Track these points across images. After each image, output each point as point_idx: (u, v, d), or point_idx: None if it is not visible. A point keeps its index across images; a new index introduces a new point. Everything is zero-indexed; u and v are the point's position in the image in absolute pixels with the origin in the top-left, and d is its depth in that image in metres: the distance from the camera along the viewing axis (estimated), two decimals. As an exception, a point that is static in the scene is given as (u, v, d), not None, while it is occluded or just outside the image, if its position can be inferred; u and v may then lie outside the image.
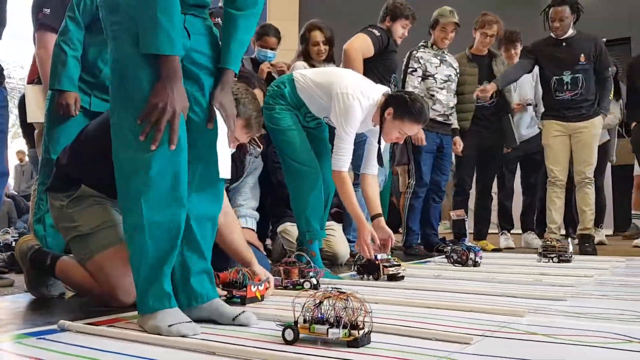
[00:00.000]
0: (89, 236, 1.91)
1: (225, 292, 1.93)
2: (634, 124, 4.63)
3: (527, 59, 4.14)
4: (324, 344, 1.34)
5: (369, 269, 2.59)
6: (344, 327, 1.31)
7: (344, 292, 1.34)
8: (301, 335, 1.35)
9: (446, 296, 2.11)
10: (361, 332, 1.32)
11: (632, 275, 2.70)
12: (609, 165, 5.18)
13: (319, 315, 1.34)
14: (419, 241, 4.18)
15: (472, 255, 3.05)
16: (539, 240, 4.43)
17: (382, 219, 2.79)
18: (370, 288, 2.30)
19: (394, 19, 3.77)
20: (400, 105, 2.62)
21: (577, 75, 3.93)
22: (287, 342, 1.35)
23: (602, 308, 1.87)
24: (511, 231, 4.75)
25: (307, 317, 1.35)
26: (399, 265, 2.61)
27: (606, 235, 4.91)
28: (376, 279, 2.54)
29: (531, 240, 4.64)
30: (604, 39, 6.73)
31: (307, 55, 3.82)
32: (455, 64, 4.18)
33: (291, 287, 2.22)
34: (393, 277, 2.54)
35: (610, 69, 4.09)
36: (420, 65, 4.03)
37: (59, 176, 2.04)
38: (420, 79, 4.01)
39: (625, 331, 1.50)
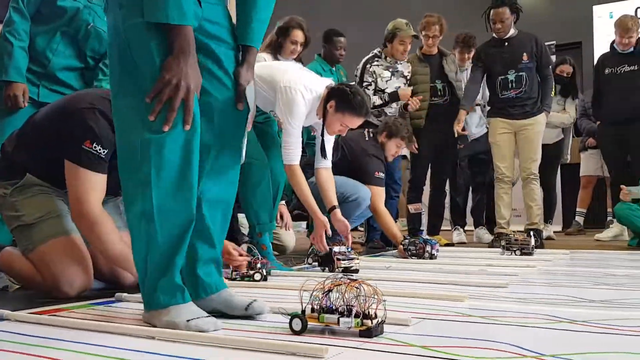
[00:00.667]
0: (32, 226, 1.89)
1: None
2: (597, 122, 4.82)
3: (478, 69, 4.24)
4: (332, 333, 1.29)
5: (324, 261, 2.63)
6: (356, 316, 1.25)
7: (356, 280, 1.28)
8: (309, 325, 1.29)
9: (393, 284, 2.16)
10: (374, 321, 1.26)
11: (574, 266, 2.81)
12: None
13: (328, 304, 1.28)
14: (378, 237, 4.24)
15: (428, 248, 3.12)
16: (489, 235, 4.55)
17: (338, 211, 2.82)
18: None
19: (389, 136, 3.74)
20: (342, 98, 2.66)
21: (520, 73, 4.06)
22: (295, 333, 1.28)
23: (539, 293, 1.95)
24: (465, 227, 4.86)
25: (315, 306, 1.29)
26: (354, 258, 2.65)
27: (554, 232, 5.07)
28: (331, 271, 2.58)
29: (482, 236, 4.75)
30: (554, 41, 6.97)
31: (278, 49, 3.72)
32: (407, 71, 4.26)
33: (239, 278, 2.23)
34: (347, 270, 2.58)
35: (550, 67, 4.24)
36: (373, 79, 4.12)
37: (3, 164, 2.01)
38: (373, 92, 4.09)
39: (557, 312, 1.57)
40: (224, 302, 1.50)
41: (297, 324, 1.28)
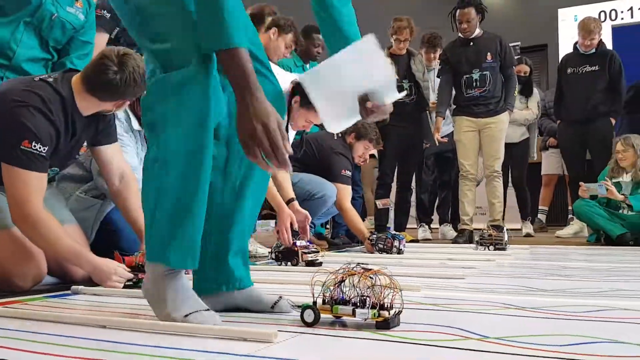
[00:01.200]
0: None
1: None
2: (558, 121, 4.94)
3: (446, 72, 4.31)
4: (344, 326, 1.24)
5: (287, 256, 2.64)
6: (373, 307, 1.19)
7: (370, 269, 1.22)
8: (322, 317, 1.24)
9: (353, 277, 2.18)
10: (391, 312, 1.21)
11: (532, 260, 2.88)
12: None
13: (340, 296, 1.22)
14: (344, 232, 4.27)
15: (396, 243, 3.15)
16: (454, 232, 4.62)
17: (296, 202, 2.84)
18: (286, 273, 2.34)
19: (358, 138, 3.77)
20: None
21: (484, 72, 4.14)
22: (307, 325, 1.23)
23: (494, 284, 1.99)
24: (430, 224, 4.93)
25: (327, 298, 1.23)
26: (318, 251, 2.67)
27: (514, 229, 5.16)
28: (295, 265, 2.59)
29: (447, 232, 4.83)
30: (519, 43, 7.10)
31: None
32: None
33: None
34: (311, 263, 2.60)
35: (514, 67, 4.34)
36: None
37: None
38: None
39: (507, 300, 1.61)
40: (251, 299, 1.44)
41: (309, 316, 1.23)
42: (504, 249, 3.22)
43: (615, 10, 7.91)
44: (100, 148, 2.10)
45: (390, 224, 4.70)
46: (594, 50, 4.58)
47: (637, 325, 1.28)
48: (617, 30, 6.12)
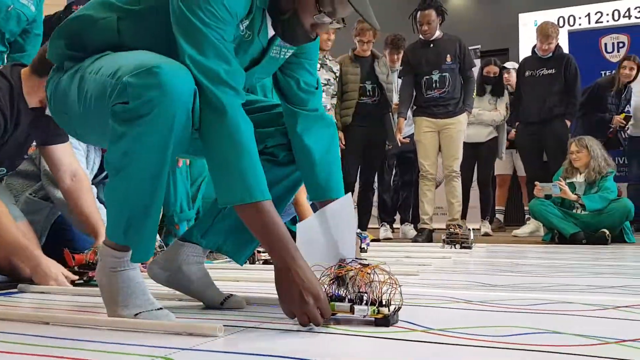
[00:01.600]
0: None
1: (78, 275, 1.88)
2: (517, 123, 5.04)
3: (407, 73, 4.36)
4: (337, 323, 1.21)
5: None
6: (372, 303, 1.16)
7: (368, 265, 1.19)
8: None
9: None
10: (390, 308, 1.19)
11: (487, 257, 2.93)
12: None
13: (335, 293, 1.19)
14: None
15: (359, 242, 3.15)
16: (414, 231, 4.67)
17: None
18: (245, 271, 2.33)
19: None
20: None
21: (444, 74, 4.20)
22: (304, 325, 1.18)
23: (446, 280, 2.03)
24: (393, 224, 4.97)
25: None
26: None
27: (474, 228, 5.25)
28: (252, 263, 2.58)
29: (407, 231, 4.88)
30: (479, 46, 7.22)
31: None
32: (336, 68, 4.33)
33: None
34: (268, 262, 2.59)
35: (473, 69, 4.41)
36: None
37: None
38: None
39: (457, 295, 1.64)
40: (201, 293, 1.41)
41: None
42: (469, 247, 3.25)
43: (574, 16, 8.12)
44: (51, 147, 2.06)
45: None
46: (551, 54, 4.70)
47: (578, 317, 1.32)
48: (573, 35, 6.29)
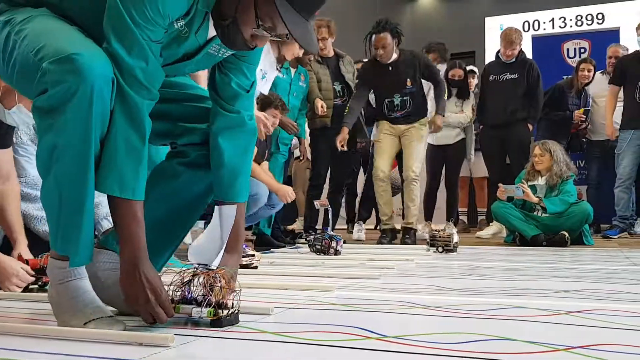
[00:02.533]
0: None
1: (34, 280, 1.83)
2: (481, 126, 5.11)
3: (363, 87, 4.28)
4: (194, 324, 1.28)
5: None
6: (208, 305, 1.25)
7: (212, 269, 1.30)
8: (177, 317, 1.28)
9: (269, 277, 2.18)
10: (226, 311, 1.26)
11: (450, 260, 2.96)
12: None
13: (188, 295, 1.28)
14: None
15: (334, 244, 3.14)
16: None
17: None
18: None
19: (263, 108, 3.66)
20: None
21: (405, 97, 4.17)
22: (150, 324, 1.24)
23: (407, 283, 2.04)
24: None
25: (175, 297, 1.28)
26: (253, 255, 2.62)
27: (439, 230, 5.30)
28: None
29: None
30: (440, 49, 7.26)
31: None
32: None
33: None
34: (246, 267, 2.54)
35: (440, 73, 4.44)
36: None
37: None
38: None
39: (415, 299, 1.65)
40: (118, 298, 1.32)
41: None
42: (453, 250, 3.25)
43: (538, 21, 8.28)
44: None
45: (320, 224, 4.72)
46: (514, 59, 4.78)
47: (530, 322, 1.34)
48: (536, 40, 6.41)
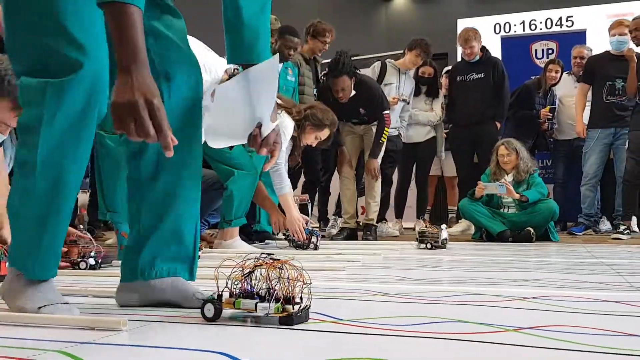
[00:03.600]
0: None
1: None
2: (450, 126, 5.17)
3: None
4: (255, 321, 1.17)
5: None
6: (277, 300, 1.12)
7: (278, 259, 1.14)
8: (226, 312, 1.17)
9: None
10: (297, 307, 1.13)
11: (417, 254, 2.99)
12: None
13: (249, 288, 1.14)
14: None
15: (314, 239, 3.16)
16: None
17: None
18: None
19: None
20: None
21: (362, 118, 4.26)
22: (207, 320, 1.16)
23: (370, 274, 2.06)
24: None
25: (235, 291, 1.15)
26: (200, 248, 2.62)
27: (409, 228, 5.36)
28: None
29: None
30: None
31: None
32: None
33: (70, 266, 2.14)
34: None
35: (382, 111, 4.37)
36: None
37: None
38: None
39: (375, 288, 1.67)
40: (174, 289, 1.32)
41: (209, 311, 1.16)
42: (442, 247, 3.24)
43: (509, 23, 8.43)
44: None
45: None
46: (479, 59, 4.86)
47: (486, 307, 1.37)
48: (505, 41, 6.52)
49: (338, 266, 2.21)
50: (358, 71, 4.17)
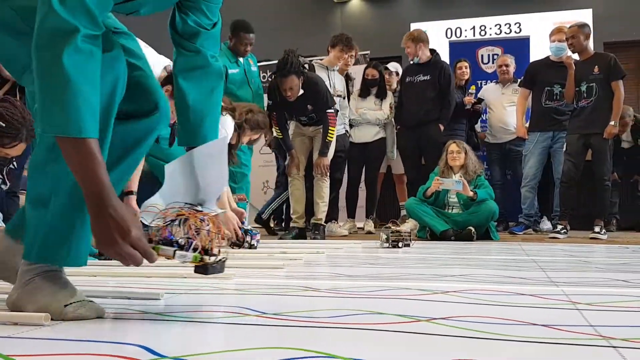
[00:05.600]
0: None
1: None
2: (398, 126, 5.28)
3: (279, 113, 4.41)
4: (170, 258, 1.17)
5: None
6: (194, 250, 1.14)
7: (201, 211, 1.18)
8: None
9: (169, 267, 2.19)
10: (213, 258, 1.17)
11: (361, 253, 3.06)
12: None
13: (168, 236, 1.16)
14: None
15: (248, 238, 3.16)
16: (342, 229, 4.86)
17: (133, 198, 2.81)
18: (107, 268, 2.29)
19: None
20: None
21: (311, 115, 4.35)
22: (127, 265, 1.12)
23: (308, 272, 2.11)
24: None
25: (156, 238, 1.16)
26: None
27: (359, 227, 5.45)
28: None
29: (335, 230, 4.97)
30: (368, 51, 7.43)
31: None
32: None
33: None
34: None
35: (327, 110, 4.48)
36: None
37: None
38: None
39: (307, 284, 1.72)
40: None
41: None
42: (408, 245, 3.34)
43: (460, 28, 8.65)
44: None
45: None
46: (428, 61, 4.99)
47: (406, 300, 1.43)
48: (453, 45, 6.71)
49: (278, 264, 2.25)
50: (305, 68, 4.25)
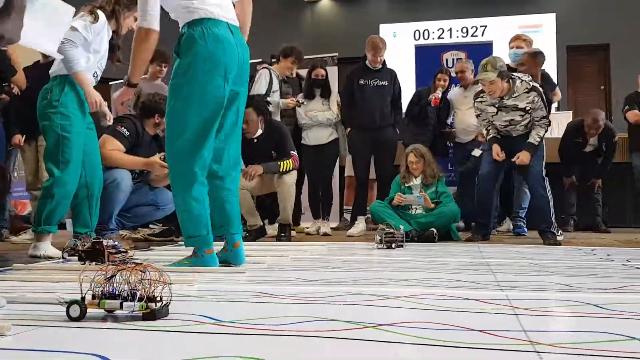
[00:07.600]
0: None
1: None
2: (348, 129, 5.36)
3: None
4: (115, 320, 1.29)
5: (92, 255, 2.54)
6: (140, 299, 1.26)
7: (141, 263, 1.29)
8: (90, 312, 1.28)
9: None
10: (159, 304, 1.29)
11: (326, 255, 3.13)
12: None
13: (111, 290, 1.27)
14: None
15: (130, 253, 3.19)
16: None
17: None
18: (60, 271, 2.31)
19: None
20: None
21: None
22: (72, 320, 1.26)
23: (269, 276, 2.17)
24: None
25: (97, 293, 1.27)
26: (126, 251, 2.62)
27: (331, 228, 5.52)
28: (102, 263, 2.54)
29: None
30: (336, 54, 7.50)
31: None
32: None
33: None
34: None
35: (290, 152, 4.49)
36: None
37: None
38: None
39: (268, 290, 1.78)
40: None
41: (74, 311, 1.27)
42: (401, 246, 3.45)
43: (428, 30, 8.80)
44: None
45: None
46: (381, 67, 5.09)
47: (359, 306, 1.50)
48: (419, 49, 6.84)
49: (240, 269, 2.31)
50: (269, 110, 4.41)
